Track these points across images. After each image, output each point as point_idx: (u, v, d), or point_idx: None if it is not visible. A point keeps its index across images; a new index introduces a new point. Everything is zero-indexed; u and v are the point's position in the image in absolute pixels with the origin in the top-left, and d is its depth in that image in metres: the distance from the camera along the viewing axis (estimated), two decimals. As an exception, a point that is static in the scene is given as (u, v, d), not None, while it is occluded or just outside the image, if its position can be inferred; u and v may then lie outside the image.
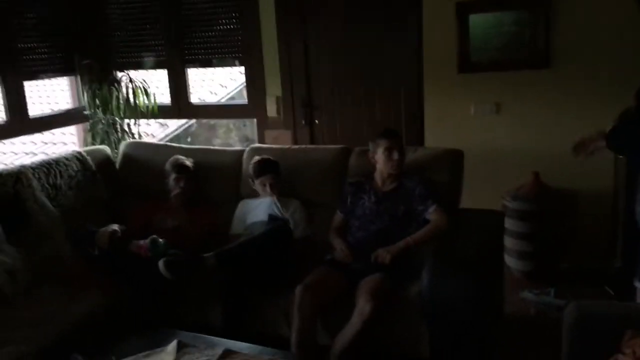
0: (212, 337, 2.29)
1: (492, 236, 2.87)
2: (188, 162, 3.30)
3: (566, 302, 3.11)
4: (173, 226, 3.14)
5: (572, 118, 3.54)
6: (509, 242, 3.52)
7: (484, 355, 2.48)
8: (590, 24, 3.41)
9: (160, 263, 2.65)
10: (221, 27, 4.32)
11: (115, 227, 2.90)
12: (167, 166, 3.30)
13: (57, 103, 6.57)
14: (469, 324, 2.32)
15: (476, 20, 3.62)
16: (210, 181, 3.36)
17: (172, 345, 2.16)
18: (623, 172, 3.12)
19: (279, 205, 3.06)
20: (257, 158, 3.20)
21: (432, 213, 2.80)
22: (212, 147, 3.76)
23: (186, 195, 3.24)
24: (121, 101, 4.29)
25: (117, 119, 4.32)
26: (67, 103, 4.89)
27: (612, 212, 3.41)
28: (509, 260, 3.59)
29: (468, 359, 2.42)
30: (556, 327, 2.20)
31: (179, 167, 3.26)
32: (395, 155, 2.86)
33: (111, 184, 3.49)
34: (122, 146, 3.77)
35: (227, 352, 2.12)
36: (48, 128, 4.99)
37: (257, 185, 3.14)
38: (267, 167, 3.14)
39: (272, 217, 3.02)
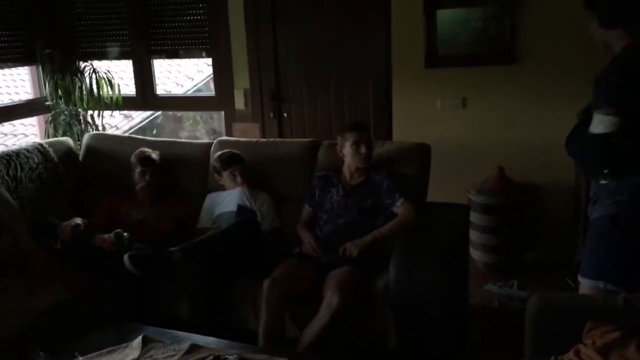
0: (179, 331, 2.26)
1: (458, 229, 2.91)
2: (154, 155, 3.25)
3: (528, 293, 3.19)
4: (138, 219, 3.09)
5: (536, 114, 3.61)
6: (473, 235, 3.57)
7: (450, 346, 2.52)
8: (554, 21, 3.47)
9: (125, 257, 2.62)
10: (188, 17, 4.26)
11: (78, 220, 2.83)
12: (133, 159, 3.24)
13: (18, 93, 6.39)
14: (436, 315, 2.35)
15: (443, 15, 3.65)
16: (177, 174, 3.32)
17: (137, 341, 2.12)
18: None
19: (248, 195, 3.04)
20: (220, 152, 3.18)
21: (399, 206, 2.82)
22: (178, 140, 3.70)
23: (152, 188, 3.19)
24: (84, 92, 4.20)
25: (80, 110, 4.23)
26: (28, 93, 4.76)
27: (574, 205, 3.49)
28: (474, 253, 3.65)
29: (434, 350, 2.45)
30: (519, 319, 2.25)
31: (144, 160, 3.21)
32: (363, 149, 2.86)
33: (74, 176, 3.42)
34: (85, 138, 3.68)
35: (194, 347, 2.08)
36: (8, 119, 4.84)
37: (225, 177, 3.11)
38: (235, 158, 3.12)
39: (241, 208, 3.00)
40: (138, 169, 3.20)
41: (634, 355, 1.62)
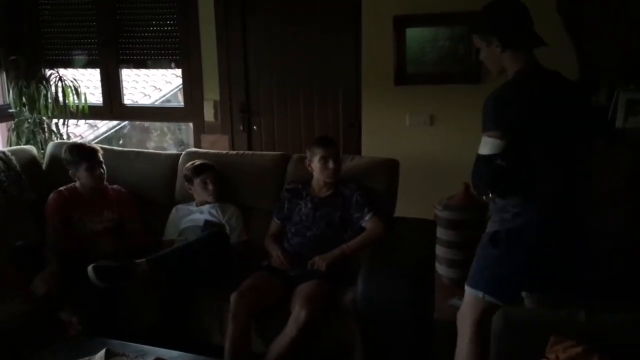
0: (143, 345, 2.22)
1: (425, 244, 2.95)
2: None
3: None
4: (100, 229, 3.03)
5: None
6: (439, 250, 3.60)
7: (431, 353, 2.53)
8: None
9: (90, 269, 2.56)
10: (158, 27, 4.23)
11: (46, 286, 2.67)
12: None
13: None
14: (402, 329, 2.37)
15: (413, 34, 3.71)
16: (143, 185, 3.28)
17: (100, 354, 2.07)
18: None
19: (218, 210, 3.02)
20: (192, 162, 3.15)
21: (368, 221, 2.84)
22: (146, 150, 3.66)
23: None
24: (50, 100, 4.12)
25: (44, 118, 4.15)
26: (-10, 100, 4.64)
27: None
28: (439, 268, 3.68)
29: (400, 363, 2.47)
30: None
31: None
32: (331, 164, 2.88)
33: (37, 185, 3.34)
34: (49, 147, 3.61)
35: (158, 361, 2.06)
36: (-32, 125, 4.72)
37: (196, 186, 3.08)
38: (207, 166, 3.10)
39: (208, 223, 2.98)
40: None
41: (595, 370, 1.66)
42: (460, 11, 3.51)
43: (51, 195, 3.08)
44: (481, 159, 2.03)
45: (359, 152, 3.90)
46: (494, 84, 3.55)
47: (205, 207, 3.06)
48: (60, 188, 3.11)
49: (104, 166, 3.11)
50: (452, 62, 3.67)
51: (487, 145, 2.00)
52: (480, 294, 2.13)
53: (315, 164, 2.91)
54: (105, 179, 3.13)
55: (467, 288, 2.20)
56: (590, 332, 1.80)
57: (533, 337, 1.81)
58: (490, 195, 2.13)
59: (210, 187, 3.05)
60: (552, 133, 2.03)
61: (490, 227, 2.13)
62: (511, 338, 1.88)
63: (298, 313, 2.43)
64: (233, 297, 2.52)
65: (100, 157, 3.10)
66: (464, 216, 3.58)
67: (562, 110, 2.06)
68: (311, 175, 2.98)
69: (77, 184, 3.10)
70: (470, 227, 3.55)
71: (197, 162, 3.13)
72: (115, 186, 3.20)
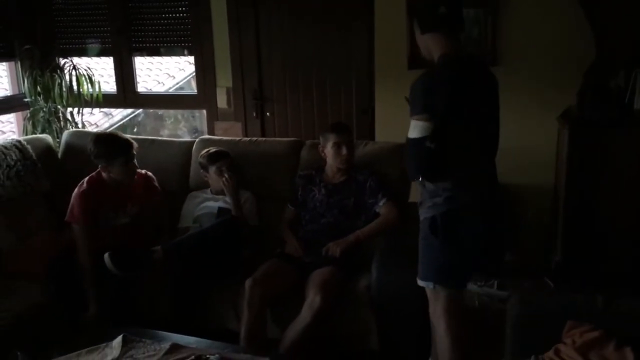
0: (159, 331, 2.25)
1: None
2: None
3: (508, 293, 3.22)
4: (124, 222, 2.96)
5: (515, 116, 3.63)
6: (454, 236, 3.59)
7: (431, 346, 2.53)
8: (536, 24, 3.51)
9: (106, 256, 2.58)
10: (170, 14, 4.21)
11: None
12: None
13: (-6, 90, 6.27)
14: (417, 315, 2.36)
15: None
16: (158, 173, 3.28)
17: (117, 340, 2.10)
18: (563, 168, 3.24)
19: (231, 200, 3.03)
20: (207, 149, 3.15)
21: (382, 207, 2.83)
22: (160, 138, 3.68)
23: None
24: (64, 89, 4.14)
25: (59, 107, 4.17)
26: (6, 90, 4.67)
27: (553, 206, 3.54)
28: (455, 254, 3.67)
29: (416, 350, 2.46)
30: (499, 318, 2.27)
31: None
32: (344, 150, 2.87)
33: (53, 174, 3.37)
34: (64, 135, 3.64)
35: (175, 347, 2.07)
36: (-16, 115, 4.77)
37: (212, 173, 3.06)
38: (222, 154, 3.09)
39: (221, 210, 2.99)
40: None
41: (612, 355, 1.65)
42: (474, -7, 3.46)
43: (77, 198, 2.87)
44: (411, 142, 2.07)
45: (372, 137, 3.88)
46: (510, 66, 3.57)
47: (220, 196, 3.06)
48: (83, 186, 2.89)
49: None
50: (467, 45, 3.61)
51: (416, 129, 2.04)
52: (431, 285, 2.17)
53: (329, 150, 2.90)
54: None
55: (419, 281, 2.22)
56: (608, 317, 1.78)
57: (549, 322, 1.81)
58: (421, 179, 2.15)
59: (226, 174, 3.03)
60: (474, 117, 2.10)
61: (426, 213, 2.16)
62: (528, 323, 1.88)
63: (312, 299, 2.44)
64: (247, 284, 2.53)
65: (135, 150, 2.94)
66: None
67: (481, 94, 2.15)
68: (325, 161, 2.97)
69: (105, 176, 2.91)
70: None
71: (213, 149, 3.12)
72: (142, 171, 3.07)
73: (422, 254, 2.21)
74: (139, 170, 3.03)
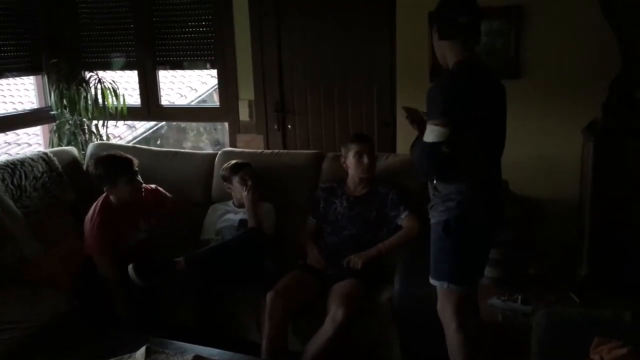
0: (182, 342, 2.25)
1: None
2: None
3: (532, 308, 3.17)
4: (143, 239, 2.97)
5: (540, 128, 3.61)
6: (478, 248, 3.56)
7: None
8: (559, 37, 3.48)
9: (130, 268, 2.61)
10: (194, 28, 4.28)
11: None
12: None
13: (22, 103, 6.40)
14: (439, 327, 2.33)
15: None
16: (180, 185, 3.32)
17: (141, 351, 2.11)
18: (588, 181, 3.19)
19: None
20: (227, 162, 3.16)
21: (404, 219, 2.82)
22: (183, 150, 3.71)
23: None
24: (89, 102, 4.21)
25: (84, 120, 4.24)
26: (32, 103, 4.77)
27: (578, 219, 3.49)
28: (478, 267, 3.63)
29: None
30: (523, 333, 2.24)
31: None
32: (366, 159, 2.87)
33: (78, 185, 3.41)
34: (89, 148, 3.69)
35: (197, 358, 2.08)
36: (12, 128, 4.86)
37: (235, 184, 3.06)
38: (244, 164, 3.11)
39: (243, 222, 3.00)
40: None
41: (642, 372, 1.61)
42: (497, 5, 3.45)
43: (90, 231, 2.83)
44: (428, 146, 2.13)
45: (393, 150, 3.87)
46: (534, 79, 3.55)
47: (242, 209, 3.06)
48: (95, 217, 2.83)
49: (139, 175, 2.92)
50: (490, 57, 3.60)
51: (432, 133, 2.10)
52: (445, 284, 2.24)
53: (350, 160, 2.90)
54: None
55: (432, 281, 2.29)
56: (636, 332, 1.74)
57: (577, 337, 1.78)
58: (435, 181, 2.23)
59: (249, 183, 3.03)
60: (486, 123, 2.17)
61: (439, 217, 2.22)
62: (554, 338, 1.84)
63: (335, 312, 2.43)
64: (269, 296, 2.53)
65: (136, 166, 2.90)
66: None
67: (493, 101, 2.22)
68: (346, 173, 2.96)
69: (112, 198, 2.88)
70: (509, 225, 3.49)
71: (233, 161, 3.14)
72: (150, 186, 3.07)
73: (434, 255, 2.27)
74: (146, 185, 3.00)
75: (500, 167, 2.34)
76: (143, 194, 2.95)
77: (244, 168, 3.07)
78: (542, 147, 3.62)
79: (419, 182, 2.55)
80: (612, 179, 3.11)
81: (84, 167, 3.58)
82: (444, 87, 2.15)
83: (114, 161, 2.89)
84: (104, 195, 2.92)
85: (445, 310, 2.28)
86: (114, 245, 2.85)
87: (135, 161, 2.93)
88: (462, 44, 2.18)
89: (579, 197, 3.48)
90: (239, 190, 3.05)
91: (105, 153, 3.03)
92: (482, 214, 2.21)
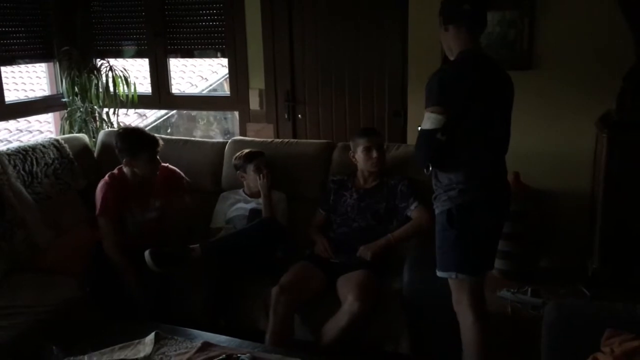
0: (191, 329, 2.26)
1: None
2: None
3: (542, 301, 3.16)
4: (150, 218, 2.98)
5: (553, 120, 3.58)
6: (487, 241, 3.54)
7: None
8: (573, 28, 3.45)
9: (147, 254, 2.60)
10: (205, 17, 4.27)
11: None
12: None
13: (33, 90, 6.43)
14: (449, 320, 2.33)
15: None
16: (190, 173, 3.31)
17: (150, 337, 2.12)
18: (601, 174, 3.16)
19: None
20: (240, 151, 3.16)
21: (414, 210, 2.80)
22: (193, 139, 3.71)
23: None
24: (101, 89, 4.22)
25: (95, 107, 4.25)
26: (44, 90, 4.78)
27: (590, 213, 3.46)
28: (487, 259, 3.62)
29: (447, 354, 2.43)
30: (533, 326, 2.23)
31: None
32: (374, 154, 2.85)
33: (89, 172, 3.43)
34: (100, 135, 3.70)
35: (206, 345, 2.08)
36: (24, 115, 4.89)
37: (249, 172, 3.05)
38: (257, 152, 3.11)
39: (254, 212, 2.99)
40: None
41: (653, 365, 1.60)
42: (511, -5, 3.42)
43: (99, 191, 2.89)
44: (424, 133, 2.14)
45: (404, 141, 3.85)
46: (547, 70, 3.51)
47: (253, 199, 3.07)
48: (106, 182, 2.91)
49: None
50: (503, 47, 3.57)
51: (429, 120, 2.12)
52: (453, 275, 2.24)
53: (359, 155, 2.89)
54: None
55: (439, 273, 2.28)
56: (649, 326, 1.73)
57: (588, 330, 1.76)
58: (431, 168, 2.24)
59: (264, 171, 3.01)
60: (487, 114, 2.16)
61: (442, 206, 2.22)
62: (565, 331, 1.83)
63: (351, 304, 2.42)
64: (274, 292, 2.52)
65: (160, 147, 2.95)
66: (514, 207, 3.48)
67: (495, 94, 2.20)
68: (356, 167, 2.95)
69: (127, 171, 2.93)
70: (520, 218, 3.49)
71: (246, 150, 3.14)
72: (164, 165, 3.06)
73: (439, 245, 2.26)
74: (162, 164, 3.04)
75: (505, 165, 2.32)
76: (157, 173, 2.98)
77: (258, 157, 3.07)
78: (554, 139, 3.59)
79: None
80: (625, 172, 3.08)
81: (95, 154, 3.59)
82: (443, 75, 2.15)
83: (141, 136, 2.93)
84: (118, 167, 2.96)
85: (460, 301, 2.26)
86: (123, 219, 2.89)
87: (161, 142, 2.96)
88: (466, 34, 2.18)
89: (591, 190, 3.45)
90: (253, 179, 3.05)
91: (133, 126, 3.04)
92: (483, 205, 2.19)
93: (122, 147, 2.90)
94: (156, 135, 3.05)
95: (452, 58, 2.24)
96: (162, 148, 2.98)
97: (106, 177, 2.95)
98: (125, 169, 2.94)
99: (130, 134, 2.96)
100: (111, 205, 2.86)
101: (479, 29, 2.23)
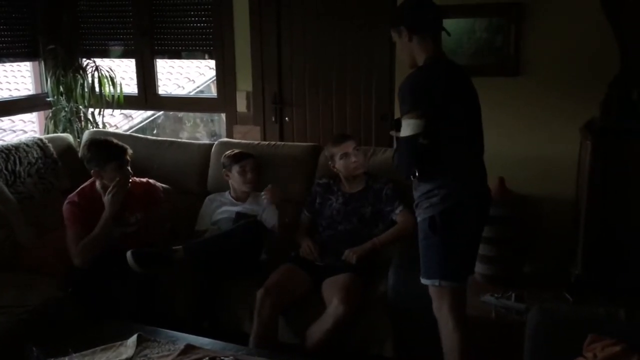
0: (174, 331, 2.24)
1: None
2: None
3: (526, 306, 3.18)
4: (132, 232, 2.87)
5: (538, 126, 3.61)
6: (472, 245, 3.55)
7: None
8: (559, 35, 3.48)
9: (129, 254, 2.58)
10: (193, 18, 4.25)
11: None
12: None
13: (18, 89, 6.36)
14: (433, 323, 2.33)
15: (449, 25, 3.52)
16: (176, 174, 3.30)
17: (132, 339, 2.10)
18: (585, 180, 3.19)
19: (252, 203, 3.02)
20: (231, 150, 3.14)
21: (399, 214, 2.81)
22: (179, 140, 3.69)
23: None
24: (86, 89, 4.19)
25: (80, 107, 4.21)
26: (28, 90, 4.73)
27: (573, 219, 3.48)
28: (472, 264, 3.63)
29: (431, 357, 2.43)
30: (516, 330, 2.24)
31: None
32: (353, 158, 2.85)
33: (73, 172, 3.39)
34: (85, 135, 3.67)
35: (189, 347, 2.07)
36: (8, 114, 4.83)
37: (234, 173, 3.04)
38: (246, 154, 3.10)
39: (239, 215, 2.98)
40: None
41: (635, 370, 1.61)
42: (498, 1, 3.44)
43: (66, 207, 2.78)
44: (406, 140, 2.14)
45: (391, 144, 3.85)
46: (533, 76, 3.54)
47: (239, 203, 3.05)
48: (74, 197, 2.81)
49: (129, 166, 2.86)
50: (490, 54, 3.59)
51: (409, 127, 2.11)
52: (436, 282, 2.23)
53: (339, 163, 2.89)
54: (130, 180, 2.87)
55: (423, 281, 2.28)
56: (630, 331, 1.74)
57: (570, 335, 1.77)
58: (417, 175, 2.21)
59: (249, 175, 3.02)
60: (462, 114, 2.19)
61: (425, 214, 2.21)
62: (548, 336, 1.84)
63: (336, 307, 2.41)
64: (259, 294, 2.51)
65: (129, 156, 2.85)
66: (498, 211, 3.51)
67: (469, 95, 2.24)
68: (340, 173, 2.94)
69: (98, 185, 2.81)
70: (504, 223, 3.50)
71: (237, 150, 3.13)
72: (141, 179, 3.03)
73: (423, 253, 2.27)
74: (138, 179, 2.98)
75: (485, 168, 2.34)
76: (130, 186, 2.88)
77: (246, 158, 3.06)
78: (539, 145, 3.61)
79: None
80: (609, 178, 3.10)
81: (79, 154, 3.55)
82: (414, 79, 2.17)
83: (107, 145, 2.87)
84: (90, 180, 2.88)
85: (441, 308, 2.27)
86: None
87: (129, 151, 2.89)
88: (431, 42, 2.22)
89: (575, 196, 3.48)
90: (237, 179, 3.05)
91: (102, 137, 3.03)
92: (466, 209, 2.19)
93: (90, 156, 2.82)
94: (124, 145, 2.91)
95: (420, 64, 2.24)
96: (132, 157, 2.87)
97: (75, 195, 2.82)
98: (96, 183, 2.83)
99: (97, 144, 2.89)
100: (79, 231, 2.73)
101: (439, 35, 2.27)
